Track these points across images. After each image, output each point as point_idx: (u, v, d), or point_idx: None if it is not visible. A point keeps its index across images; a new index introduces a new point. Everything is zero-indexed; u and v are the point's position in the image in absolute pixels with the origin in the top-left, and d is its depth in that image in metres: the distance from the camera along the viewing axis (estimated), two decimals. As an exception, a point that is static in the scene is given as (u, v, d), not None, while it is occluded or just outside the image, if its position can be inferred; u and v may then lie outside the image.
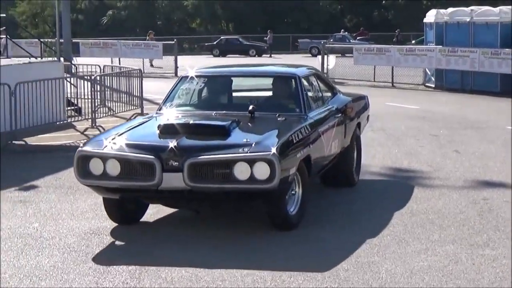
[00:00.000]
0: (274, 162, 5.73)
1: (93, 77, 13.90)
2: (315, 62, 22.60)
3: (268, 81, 7.89)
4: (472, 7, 20.57)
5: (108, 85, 14.51)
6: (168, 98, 7.60)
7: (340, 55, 26.69)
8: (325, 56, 23.18)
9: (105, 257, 5.81)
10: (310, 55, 37.24)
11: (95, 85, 13.43)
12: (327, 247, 6.05)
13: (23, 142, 10.75)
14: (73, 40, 22.72)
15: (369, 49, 23.99)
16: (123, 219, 6.66)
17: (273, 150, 5.83)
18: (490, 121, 14.07)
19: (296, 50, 41.16)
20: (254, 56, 38.61)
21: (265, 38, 41.26)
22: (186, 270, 5.35)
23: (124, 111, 14.18)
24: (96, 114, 12.81)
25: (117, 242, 6.31)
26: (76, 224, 6.77)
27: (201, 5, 52.24)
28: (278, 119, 6.90)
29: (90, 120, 12.80)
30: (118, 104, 14.48)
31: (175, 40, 29.23)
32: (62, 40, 19.03)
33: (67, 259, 5.71)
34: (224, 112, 7.14)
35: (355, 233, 6.52)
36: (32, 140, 11.14)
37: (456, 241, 6.16)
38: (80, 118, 13.35)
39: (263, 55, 39.22)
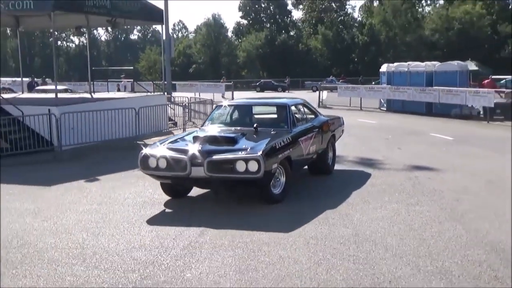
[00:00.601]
0: (260, 161, 7.97)
1: (184, 104, 21.35)
2: (314, 95, 35.72)
3: (272, 108, 10.68)
4: (409, 62, 29.64)
5: (193, 108, 21.75)
6: (208, 119, 10.77)
7: (330, 90, 36.58)
8: (321, 92, 34.33)
9: (158, 219, 8.08)
10: (311, 91, 52.34)
11: (185, 109, 20.21)
12: (305, 213, 8.03)
13: (142, 142, 14.50)
14: (172, 82, 32.87)
15: (347, 87, 33.99)
16: (173, 195, 9.20)
17: (259, 153, 8.05)
18: (420, 130, 19.30)
19: (303, 87, 60.28)
20: (280, 91, 56.63)
21: (285, 81, 60.53)
22: (205, 228, 7.25)
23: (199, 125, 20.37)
24: (186, 126, 18.49)
25: (167, 210, 8.56)
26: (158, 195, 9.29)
27: (247, 61, 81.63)
28: (272, 132, 9.33)
29: (182, 129, 18.00)
30: (198, 120, 20.25)
31: (231, 82, 43.63)
32: (166, 82, 26.56)
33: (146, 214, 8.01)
34: (240, 128, 9.63)
35: (328, 203, 8.52)
36: (148, 141, 14.65)
37: (398, 202, 8.64)
38: (176, 128, 19.26)
39: (286, 91, 56.44)
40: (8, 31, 73.53)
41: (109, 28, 79.32)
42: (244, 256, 6.08)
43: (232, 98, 34.42)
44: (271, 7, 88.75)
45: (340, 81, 54.39)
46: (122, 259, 6.10)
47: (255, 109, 10.73)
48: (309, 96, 29.55)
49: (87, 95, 20.63)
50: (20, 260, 6.14)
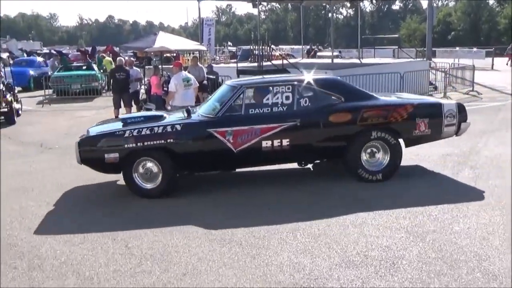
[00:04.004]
0: (77, 148, 6.81)
1: (444, 69, 20.23)
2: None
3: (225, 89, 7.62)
4: None
5: (452, 74, 20.30)
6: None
7: None
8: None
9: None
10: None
11: (446, 74, 19.38)
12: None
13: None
14: (432, 49, 28.74)
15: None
16: None
17: (77, 140, 6.91)
18: None
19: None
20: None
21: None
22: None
23: (460, 89, 18.90)
24: (446, 90, 17.69)
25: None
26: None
27: (508, 28, 61.91)
28: (185, 117, 7.03)
29: (442, 94, 17.26)
30: (458, 85, 19.43)
31: (493, 48, 36.77)
32: (425, 49, 25.33)
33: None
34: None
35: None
36: None
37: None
38: (436, 92, 18.21)
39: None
40: (289, 6, 78.64)
41: (374, 0, 79.65)
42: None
43: (492, 66, 31.12)
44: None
45: None
46: (394, 204, 6.08)
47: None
48: None
49: (356, 61, 20.83)
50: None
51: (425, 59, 21.65)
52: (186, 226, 5.65)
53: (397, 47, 26.82)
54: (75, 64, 23.33)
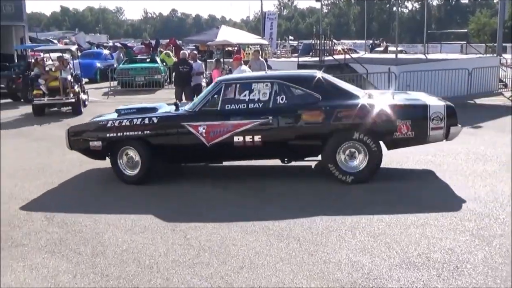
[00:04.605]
0: (67, 135, 7.59)
1: None
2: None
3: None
4: None
5: None
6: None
7: None
8: None
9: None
10: None
11: None
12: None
13: (472, 101, 15.09)
14: (503, 44, 26.09)
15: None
16: None
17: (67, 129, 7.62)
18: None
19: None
20: None
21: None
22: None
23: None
24: None
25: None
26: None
27: None
28: (168, 110, 7.55)
29: (511, 91, 16.49)
30: None
31: None
32: (496, 44, 23.86)
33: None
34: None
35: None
36: (478, 101, 15.28)
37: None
38: (506, 90, 16.98)
39: None
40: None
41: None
42: None
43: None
44: None
45: None
46: (459, 207, 5.87)
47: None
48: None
49: (422, 56, 20.14)
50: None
51: (495, 55, 20.78)
52: (243, 220, 5.65)
53: (465, 42, 25.90)
54: (139, 57, 23.81)
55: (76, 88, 14.37)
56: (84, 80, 18.05)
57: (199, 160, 7.59)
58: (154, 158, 7.22)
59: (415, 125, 6.80)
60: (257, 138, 6.85)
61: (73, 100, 14.04)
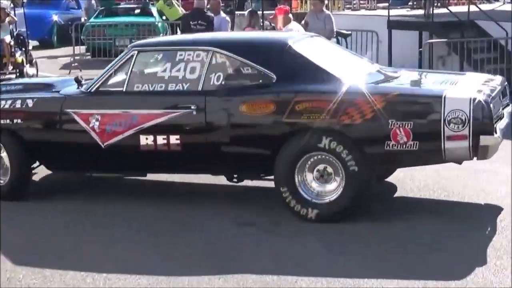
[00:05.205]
0: None
1: None
2: None
3: None
4: None
5: None
6: None
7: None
8: None
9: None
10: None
11: None
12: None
13: None
14: None
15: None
16: None
17: None
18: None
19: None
20: None
21: None
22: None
23: None
24: None
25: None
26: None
27: None
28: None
29: None
30: None
31: None
32: None
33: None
34: None
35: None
36: None
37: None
38: None
39: None
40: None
41: None
42: None
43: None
44: None
45: None
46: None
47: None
48: None
49: None
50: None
51: None
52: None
53: None
54: (122, 5, 21.26)
55: (19, 57, 13.65)
56: (32, 43, 16.68)
57: (96, 169, 6.96)
58: (28, 161, 6.83)
59: (420, 131, 6.02)
60: (174, 139, 6.30)
61: (13, 75, 13.32)
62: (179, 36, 9.05)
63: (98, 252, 5.71)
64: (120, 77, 6.64)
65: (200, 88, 6.34)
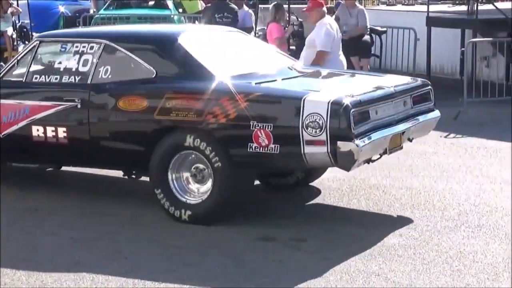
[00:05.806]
0: None
1: None
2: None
3: None
4: None
5: None
6: None
7: None
8: None
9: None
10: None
11: None
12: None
13: None
14: None
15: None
16: None
17: None
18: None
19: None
20: None
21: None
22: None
23: None
24: None
25: None
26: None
27: None
28: None
29: None
30: None
31: None
32: None
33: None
34: None
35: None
36: None
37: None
38: None
39: None
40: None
41: None
42: None
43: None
44: None
45: None
46: None
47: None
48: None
49: None
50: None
51: None
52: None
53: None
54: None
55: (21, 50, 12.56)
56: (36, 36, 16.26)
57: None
58: None
59: (281, 134, 6.14)
60: (61, 132, 6.65)
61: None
62: (78, 30, 9.37)
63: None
64: (22, 67, 6.92)
65: (89, 81, 6.61)
